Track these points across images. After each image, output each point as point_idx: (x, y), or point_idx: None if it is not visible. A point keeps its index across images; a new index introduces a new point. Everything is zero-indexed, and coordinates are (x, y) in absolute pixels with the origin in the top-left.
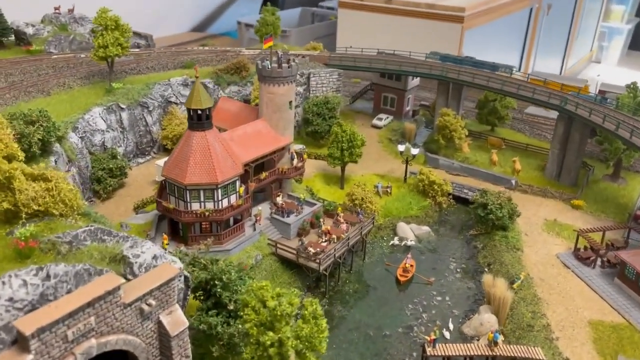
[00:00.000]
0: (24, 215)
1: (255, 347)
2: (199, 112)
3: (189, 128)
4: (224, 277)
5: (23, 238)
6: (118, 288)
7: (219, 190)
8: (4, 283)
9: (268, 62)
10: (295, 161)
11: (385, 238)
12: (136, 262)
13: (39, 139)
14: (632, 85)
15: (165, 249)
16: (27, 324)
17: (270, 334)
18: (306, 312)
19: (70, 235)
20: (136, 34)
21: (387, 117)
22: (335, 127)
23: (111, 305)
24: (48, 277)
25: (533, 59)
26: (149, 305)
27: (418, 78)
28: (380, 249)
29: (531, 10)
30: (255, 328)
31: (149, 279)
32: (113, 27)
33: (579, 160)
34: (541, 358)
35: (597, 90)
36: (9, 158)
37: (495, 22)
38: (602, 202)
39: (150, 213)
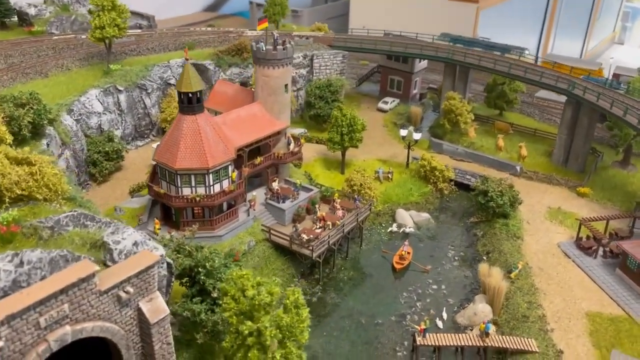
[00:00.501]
0: (7, 200)
1: (235, 336)
2: (190, 95)
3: (179, 111)
4: (207, 264)
5: (5, 223)
6: (93, 275)
7: (211, 175)
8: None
9: (262, 43)
10: (292, 146)
11: (383, 224)
12: (116, 249)
13: (29, 122)
14: None
15: (157, 234)
16: None
17: (249, 323)
18: (287, 301)
19: (53, 220)
20: (138, 14)
21: (393, 101)
22: (335, 111)
23: (86, 292)
24: (22, 263)
25: (552, 41)
26: (127, 292)
27: (426, 60)
28: (378, 235)
29: None
30: (234, 317)
31: (128, 266)
32: (110, 7)
33: (587, 146)
34: (534, 350)
35: (612, 74)
36: None
37: (512, 2)
38: (610, 189)
39: (146, 197)
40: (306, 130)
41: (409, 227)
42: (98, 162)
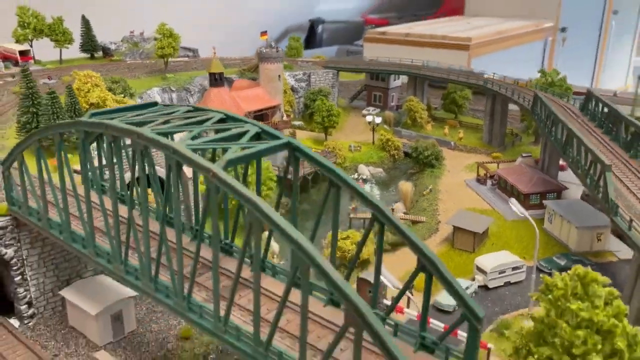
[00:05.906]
0: None
1: None
2: (215, 75)
3: (210, 86)
4: None
5: None
6: None
7: None
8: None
9: (262, 49)
10: (284, 117)
11: (348, 174)
12: None
13: (119, 93)
14: (542, 70)
15: None
16: None
17: None
18: None
19: None
20: (188, 48)
21: (375, 109)
22: (318, 102)
23: None
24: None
25: None
26: None
27: (400, 79)
28: None
29: (545, 42)
30: None
31: None
32: (168, 35)
33: (503, 129)
34: (423, 220)
35: None
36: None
37: (506, 51)
38: (516, 155)
39: None
40: (302, 123)
41: (366, 176)
42: None
